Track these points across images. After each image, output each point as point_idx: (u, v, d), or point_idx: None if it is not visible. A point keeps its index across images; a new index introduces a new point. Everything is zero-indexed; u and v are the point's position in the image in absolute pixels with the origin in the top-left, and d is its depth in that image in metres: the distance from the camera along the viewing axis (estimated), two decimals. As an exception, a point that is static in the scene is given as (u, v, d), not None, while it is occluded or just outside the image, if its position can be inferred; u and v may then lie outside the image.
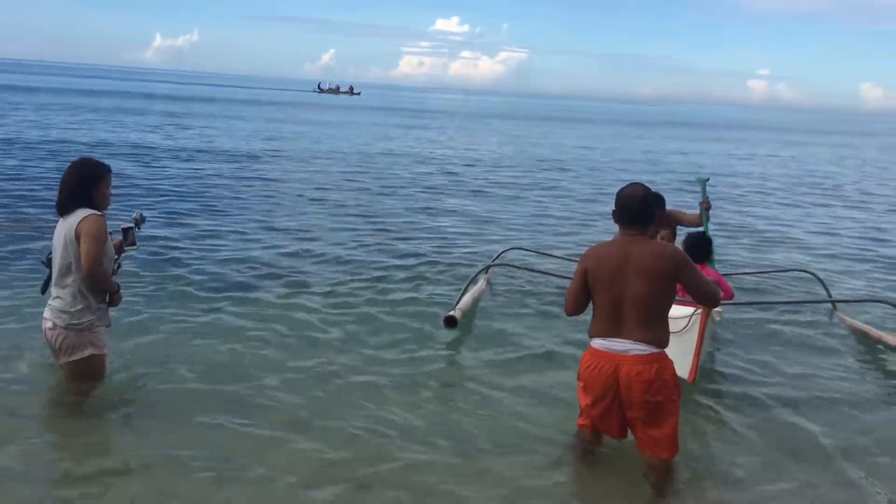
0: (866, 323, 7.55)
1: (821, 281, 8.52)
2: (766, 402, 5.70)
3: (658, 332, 4.35)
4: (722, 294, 5.67)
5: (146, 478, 4.27)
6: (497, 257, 9.24)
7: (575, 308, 4.61)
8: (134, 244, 5.04)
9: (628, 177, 18.10)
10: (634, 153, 31.81)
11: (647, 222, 4.48)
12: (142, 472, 4.32)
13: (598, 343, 4.44)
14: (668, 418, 4.39)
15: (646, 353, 4.30)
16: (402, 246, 10.55)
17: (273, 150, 23.70)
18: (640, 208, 4.45)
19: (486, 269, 7.73)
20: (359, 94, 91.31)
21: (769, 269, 9.28)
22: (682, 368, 5.21)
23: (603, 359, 4.38)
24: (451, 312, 6.56)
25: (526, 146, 27.28)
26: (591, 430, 4.59)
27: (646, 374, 4.28)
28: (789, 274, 9.44)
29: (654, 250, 4.38)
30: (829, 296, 8.22)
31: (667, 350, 4.47)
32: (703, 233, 6.94)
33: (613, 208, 4.54)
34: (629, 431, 4.50)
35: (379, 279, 8.68)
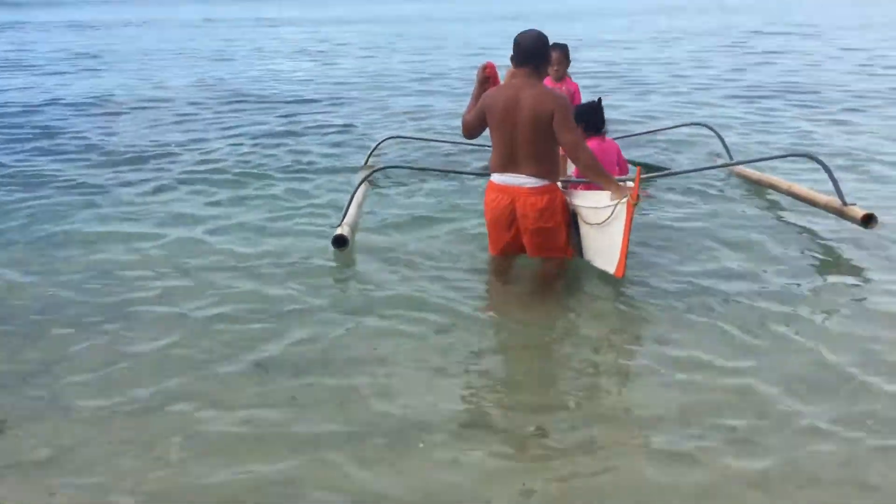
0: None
1: (720, 137, 7.81)
2: (695, 285, 5.07)
3: (549, 167, 4.91)
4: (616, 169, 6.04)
5: None
6: (373, 151, 8.23)
7: (469, 135, 5.20)
8: None
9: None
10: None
11: (541, 61, 4.90)
12: None
13: (496, 178, 5.01)
14: (559, 238, 5.04)
15: (538, 185, 4.88)
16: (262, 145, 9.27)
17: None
18: (532, 47, 4.84)
19: (369, 175, 6.54)
20: None
21: (662, 128, 8.51)
22: (610, 262, 4.75)
23: (502, 192, 4.97)
24: (339, 231, 5.45)
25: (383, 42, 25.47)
26: (500, 253, 5.23)
27: (539, 203, 4.89)
28: (683, 129, 8.61)
29: (540, 93, 4.78)
30: (731, 156, 7.56)
31: (591, 243, 5.02)
32: (599, 99, 6.09)
33: (511, 53, 4.93)
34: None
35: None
